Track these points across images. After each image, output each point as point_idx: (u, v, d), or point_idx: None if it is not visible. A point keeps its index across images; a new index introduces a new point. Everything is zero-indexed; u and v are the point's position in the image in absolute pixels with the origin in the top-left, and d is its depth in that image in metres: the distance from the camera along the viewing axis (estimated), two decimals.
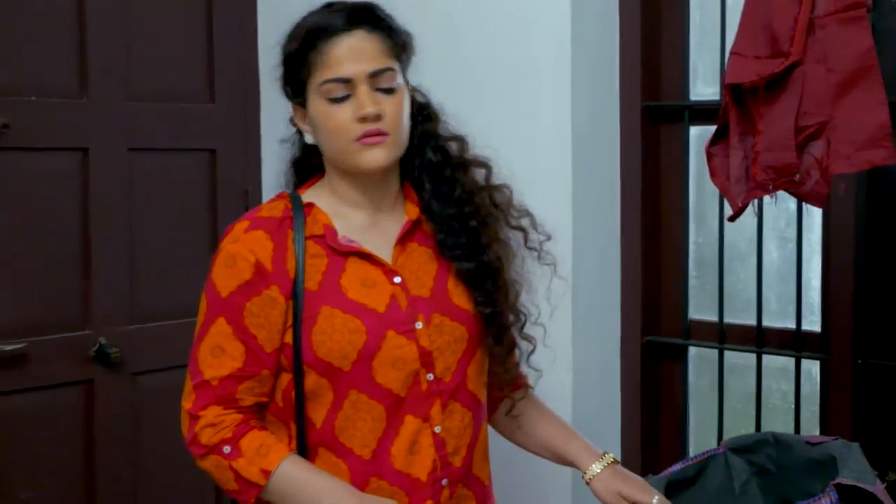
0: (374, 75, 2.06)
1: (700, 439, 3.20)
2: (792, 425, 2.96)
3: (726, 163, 2.42)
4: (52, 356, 3.31)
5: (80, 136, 3.35)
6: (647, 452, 3.19)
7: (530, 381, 2.35)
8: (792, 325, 2.97)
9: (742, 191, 2.39)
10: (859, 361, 2.84)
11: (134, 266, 3.47)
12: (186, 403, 2.07)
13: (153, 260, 3.52)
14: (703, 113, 3.07)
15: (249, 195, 3.73)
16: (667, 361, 3.21)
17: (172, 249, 3.57)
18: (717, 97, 2.94)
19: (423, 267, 2.16)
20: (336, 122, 2.06)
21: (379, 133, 2.06)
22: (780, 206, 2.84)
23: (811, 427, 2.96)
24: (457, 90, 3.29)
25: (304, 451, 2.08)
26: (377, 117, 2.04)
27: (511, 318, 2.21)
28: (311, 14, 2.12)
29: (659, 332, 3.22)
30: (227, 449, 2.02)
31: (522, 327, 2.24)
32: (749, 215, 2.51)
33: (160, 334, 3.54)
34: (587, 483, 2.22)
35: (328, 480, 2.03)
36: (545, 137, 3.09)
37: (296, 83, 2.12)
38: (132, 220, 3.46)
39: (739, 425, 3.08)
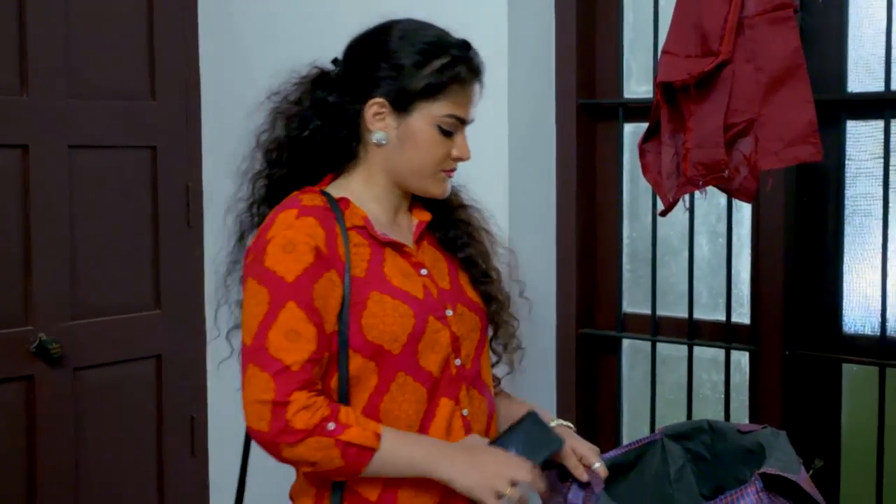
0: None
1: (633, 429, 3.22)
2: (722, 414, 2.99)
3: (658, 159, 2.44)
4: None
5: (20, 133, 3.31)
6: (614, 441, 3.20)
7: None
8: (722, 317, 2.99)
9: (673, 186, 2.41)
10: (787, 352, 2.87)
11: (75, 262, 3.44)
12: (266, 395, 1.95)
13: (94, 256, 3.49)
14: (636, 111, 3.08)
15: (190, 191, 3.70)
16: (601, 353, 3.23)
17: (114, 245, 3.54)
18: (650, 95, 2.95)
19: (437, 263, 2.21)
20: (438, 152, 2.11)
21: (454, 172, 2.18)
22: (710, 201, 2.87)
23: (741, 416, 2.98)
24: None
25: None
26: None
27: (501, 294, 2.29)
28: (454, 44, 2.12)
29: (594, 324, 3.24)
30: (331, 426, 1.95)
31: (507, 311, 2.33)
32: (680, 210, 2.53)
33: (101, 330, 3.51)
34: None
35: (427, 441, 2.06)
36: (482, 135, 3.05)
37: (403, 90, 2.09)
38: (73, 216, 3.43)
39: (672, 415, 3.11)
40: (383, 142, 2.11)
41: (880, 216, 2.73)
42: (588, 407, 3.24)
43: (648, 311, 3.12)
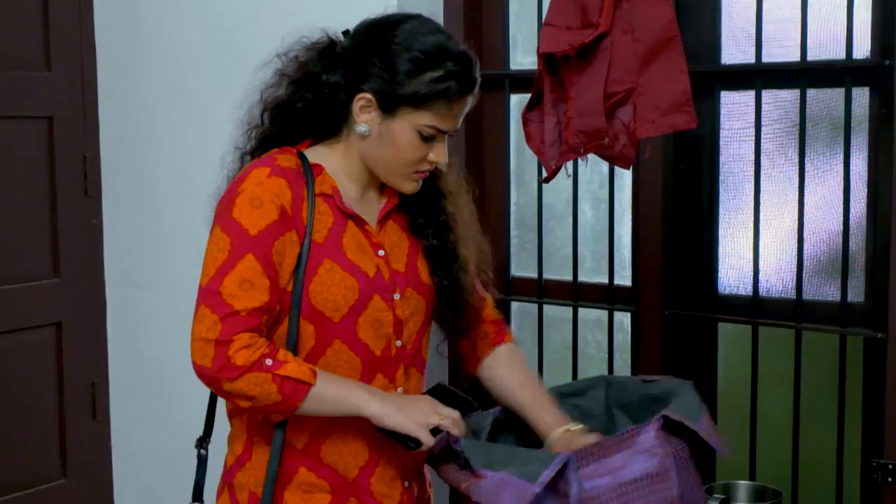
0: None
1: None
2: (606, 372, 3.02)
3: (541, 128, 2.46)
4: None
5: None
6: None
7: (509, 335, 2.38)
8: (605, 279, 3.02)
9: (556, 154, 2.43)
10: (667, 312, 2.92)
11: None
12: (211, 334, 1.97)
13: None
14: (522, 82, 3.09)
15: (88, 161, 3.64)
16: None
17: (11, 214, 3.47)
18: (535, 67, 2.95)
19: (398, 243, 2.20)
20: (413, 155, 2.09)
21: (426, 174, 2.15)
22: (593, 168, 2.90)
23: (623, 373, 3.02)
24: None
25: None
26: None
27: (462, 288, 2.25)
28: (451, 57, 2.05)
29: None
30: (269, 361, 1.98)
31: (486, 286, 2.34)
32: (564, 178, 2.55)
33: (0, 298, 3.44)
34: (547, 445, 2.21)
35: (361, 384, 2.08)
36: None
37: (391, 93, 2.05)
38: None
39: (559, 373, 3.14)
40: (366, 134, 2.10)
41: (752, 182, 2.78)
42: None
43: (535, 275, 3.14)
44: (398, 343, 2.16)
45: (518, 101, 3.13)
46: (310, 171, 2.10)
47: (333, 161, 2.15)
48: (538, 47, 2.46)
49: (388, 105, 2.06)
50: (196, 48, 3.48)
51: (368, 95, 2.07)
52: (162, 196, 3.59)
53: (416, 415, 2.03)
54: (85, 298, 3.68)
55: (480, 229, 2.33)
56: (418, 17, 2.11)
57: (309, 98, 2.14)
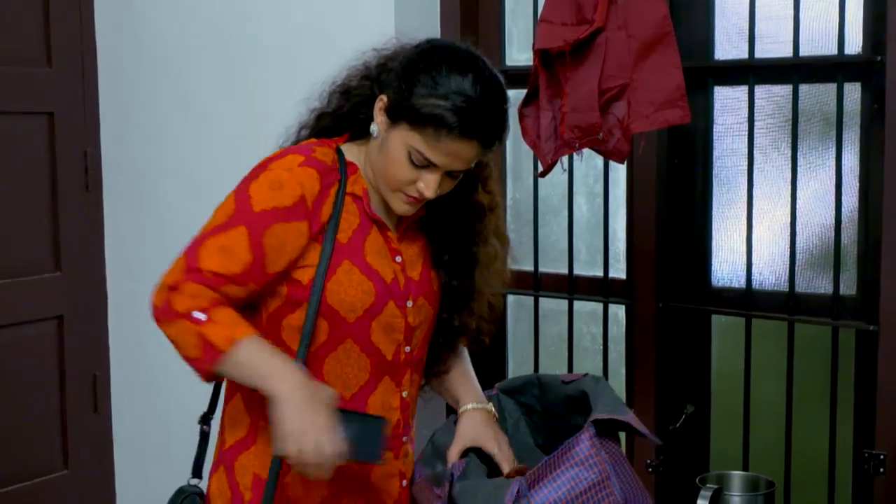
0: (452, 171, 2.05)
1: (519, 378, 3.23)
2: (601, 364, 3.01)
3: (537, 123, 2.44)
4: None
5: None
6: None
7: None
8: (600, 273, 3.01)
9: (551, 149, 2.42)
10: (661, 305, 2.90)
11: None
12: (169, 279, 1.98)
13: None
14: (518, 77, 3.06)
15: (88, 156, 3.63)
16: None
17: (12, 209, 3.46)
18: (530, 63, 2.93)
19: (416, 252, 2.18)
20: (400, 174, 2.03)
21: (420, 200, 2.07)
22: (588, 163, 2.88)
23: (618, 365, 3.01)
24: (282, 50, 3.27)
25: None
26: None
27: (464, 329, 2.24)
28: (465, 96, 1.97)
29: None
30: (200, 315, 1.95)
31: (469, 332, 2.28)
32: (560, 172, 2.54)
33: (2, 291, 3.44)
34: (459, 415, 2.23)
35: (286, 364, 1.97)
36: None
37: (397, 104, 2.01)
38: None
39: (554, 365, 3.13)
40: (374, 135, 2.08)
41: (745, 176, 2.76)
42: (474, 358, 3.24)
43: (531, 268, 3.12)
44: (407, 349, 2.15)
45: (514, 97, 3.06)
46: (345, 169, 2.09)
47: (363, 161, 2.13)
48: (534, 43, 2.45)
49: (394, 114, 2.02)
50: (195, 45, 3.46)
51: (385, 98, 2.05)
52: (162, 190, 3.57)
53: (298, 429, 1.90)
54: (86, 292, 3.67)
55: (502, 253, 2.25)
56: (474, 52, 2.07)
57: (356, 95, 2.13)
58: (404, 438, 2.20)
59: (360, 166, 2.12)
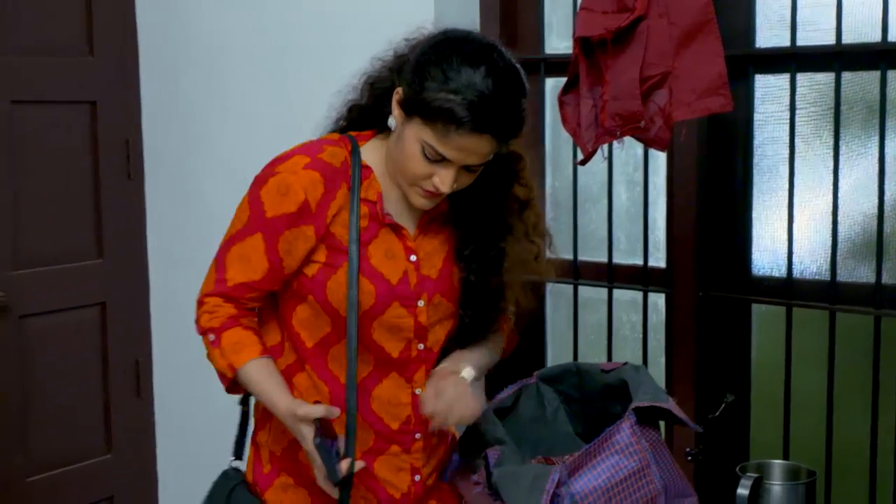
0: (469, 165, 2.01)
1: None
2: (641, 353, 2.99)
3: (577, 111, 2.42)
4: None
5: None
6: (509, 382, 3.20)
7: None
8: (640, 261, 2.99)
9: (592, 137, 2.40)
10: (700, 294, 2.88)
11: (18, 214, 3.37)
12: (202, 290, 2.15)
13: (37, 207, 3.42)
14: (557, 66, 3.05)
15: (130, 144, 3.64)
16: None
17: (56, 197, 3.48)
18: (569, 51, 2.91)
19: (436, 249, 2.16)
20: (415, 168, 2.00)
21: (438, 194, 2.04)
22: (628, 151, 2.86)
23: (657, 354, 2.99)
24: (320, 40, 3.26)
25: (293, 364, 2.16)
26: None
27: (490, 324, 2.24)
28: (478, 90, 1.92)
29: None
30: (211, 337, 2.12)
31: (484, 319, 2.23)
32: (599, 160, 2.52)
33: (46, 279, 3.46)
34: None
35: (273, 393, 2.09)
36: None
37: (410, 97, 1.98)
38: (15, 169, 3.36)
39: (593, 354, 3.11)
40: (392, 128, 2.07)
41: (786, 165, 2.73)
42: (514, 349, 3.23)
43: (570, 257, 3.11)
44: (420, 346, 2.13)
45: (553, 85, 3.09)
46: (359, 173, 2.07)
47: (382, 159, 2.11)
48: (574, 31, 2.43)
49: (408, 107, 2.00)
50: (234, 34, 3.46)
51: (401, 91, 2.02)
52: (202, 177, 3.58)
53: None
54: (128, 278, 3.69)
55: (542, 251, 2.21)
56: (492, 44, 2.01)
57: (382, 85, 2.12)
58: (417, 435, 2.17)
59: (377, 166, 2.10)
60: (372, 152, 2.12)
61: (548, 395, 2.34)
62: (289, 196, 2.03)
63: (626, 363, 2.24)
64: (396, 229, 2.11)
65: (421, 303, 2.11)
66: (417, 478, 2.19)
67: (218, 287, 2.11)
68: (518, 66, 2.02)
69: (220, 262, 2.12)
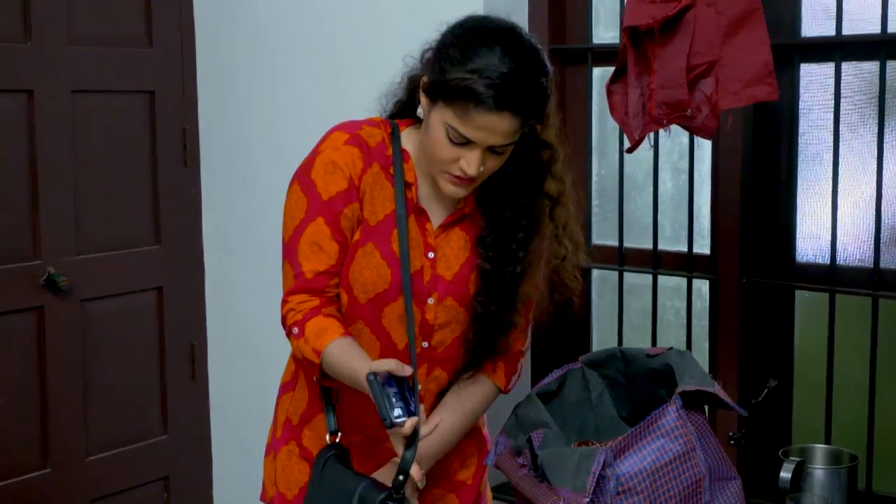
0: (493, 146, 1.98)
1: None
2: (685, 339, 2.99)
3: (625, 100, 2.43)
4: (5, 285, 3.26)
5: (25, 78, 3.27)
6: (554, 366, 3.21)
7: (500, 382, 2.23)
8: (684, 248, 2.99)
9: (639, 125, 2.40)
10: (744, 280, 2.87)
11: (79, 200, 3.41)
12: (284, 289, 2.09)
13: (97, 194, 3.46)
14: (604, 55, 3.06)
15: (187, 133, 3.67)
16: None
17: (115, 184, 3.52)
18: (616, 41, 2.92)
19: (456, 252, 2.12)
20: (442, 153, 1.98)
21: (467, 180, 2.01)
22: (673, 139, 2.86)
23: (701, 340, 2.99)
24: (370, 32, 3.28)
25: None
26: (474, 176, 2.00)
27: (507, 324, 2.13)
28: (495, 68, 1.90)
29: None
30: (295, 330, 2.04)
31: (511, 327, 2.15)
32: (645, 148, 2.52)
33: (105, 263, 3.50)
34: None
35: (353, 366, 1.95)
36: None
37: (433, 83, 1.98)
38: (77, 157, 3.40)
39: (637, 339, 3.11)
40: (421, 117, 2.08)
41: (831, 153, 2.72)
42: (559, 331, 3.24)
43: (616, 243, 3.11)
44: (424, 344, 2.11)
45: (600, 74, 3.09)
46: (400, 157, 2.09)
47: (417, 147, 2.11)
48: (622, 21, 2.43)
49: (432, 92, 1.99)
50: (287, 25, 3.49)
51: (425, 78, 2.02)
52: (256, 165, 3.61)
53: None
54: (184, 264, 3.72)
55: (571, 254, 2.13)
56: (510, 30, 1.99)
57: (415, 74, 2.12)
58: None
59: (413, 153, 2.10)
60: (409, 139, 2.12)
61: (593, 379, 2.33)
62: (336, 174, 2.04)
63: (671, 348, 2.23)
64: (422, 220, 2.09)
65: (431, 300, 2.09)
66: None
67: (299, 282, 2.05)
68: (539, 46, 2.00)
69: (292, 257, 2.06)
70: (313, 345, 2.00)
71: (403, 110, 2.18)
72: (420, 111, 2.07)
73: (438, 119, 1.97)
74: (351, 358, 1.97)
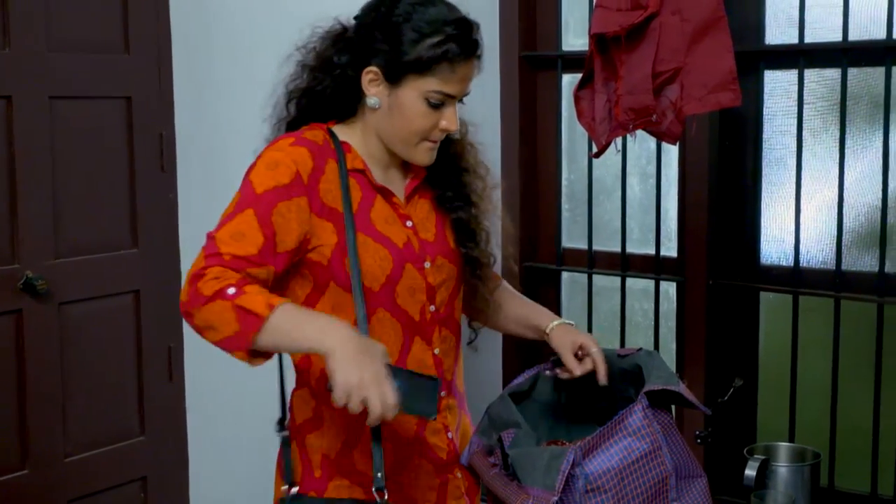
0: (463, 94, 2.09)
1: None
2: (653, 339, 3.01)
3: (592, 105, 2.44)
4: None
5: (3, 83, 3.24)
6: (525, 367, 3.22)
7: (497, 275, 2.37)
8: (652, 251, 3.00)
9: (606, 130, 2.41)
10: (711, 282, 2.89)
11: (57, 205, 3.39)
12: (193, 269, 1.91)
13: (75, 199, 3.44)
14: (573, 62, 3.07)
15: (164, 138, 3.65)
16: (543, 285, 3.24)
17: (93, 189, 3.49)
18: (586, 48, 2.92)
19: (427, 214, 2.18)
20: (424, 123, 2.05)
21: (437, 144, 2.10)
22: (641, 144, 2.88)
23: (669, 341, 3.01)
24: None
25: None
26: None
27: (486, 257, 2.24)
28: (450, 22, 2.02)
29: (536, 258, 3.24)
30: (231, 290, 1.86)
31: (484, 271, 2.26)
32: (614, 153, 2.53)
33: (83, 267, 3.47)
34: (546, 335, 2.25)
35: (331, 319, 1.92)
36: None
37: (395, 63, 2.03)
38: (55, 162, 3.37)
39: (607, 340, 3.11)
40: (376, 106, 2.08)
41: (794, 158, 2.74)
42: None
43: (585, 246, 3.12)
44: (431, 308, 2.13)
45: (569, 81, 3.11)
46: (341, 149, 2.09)
47: (355, 140, 2.13)
48: (590, 28, 2.44)
49: (394, 75, 2.03)
50: (264, 31, 3.48)
51: (375, 68, 2.05)
52: (232, 170, 3.57)
53: (354, 377, 1.82)
54: (161, 267, 3.70)
55: (498, 206, 2.29)
56: None
57: (327, 82, 2.12)
58: (442, 393, 2.16)
59: (355, 144, 2.12)
60: (343, 133, 2.13)
61: (563, 380, 2.34)
62: (279, 169, 2.00)
63: (640, 349, 2.25)
64: (387, 196, 2.12)
65: (427, 264, 2.12)
66: (450, 435, 2.19)
67: (213, 260, 1.91)
68: None
69: (209, 245, 1.94)
70: (266, 299, 1.88)
71: (294, 123, 2.17)
72: (373, 101, 2.07)
73: (413, 93, 2.03)
74: (318, 315, 1.94)
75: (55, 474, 3.43)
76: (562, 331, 2.24)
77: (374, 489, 2.00)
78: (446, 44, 2.00)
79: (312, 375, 2.11)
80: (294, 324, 1.88)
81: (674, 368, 2.94)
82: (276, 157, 2.02)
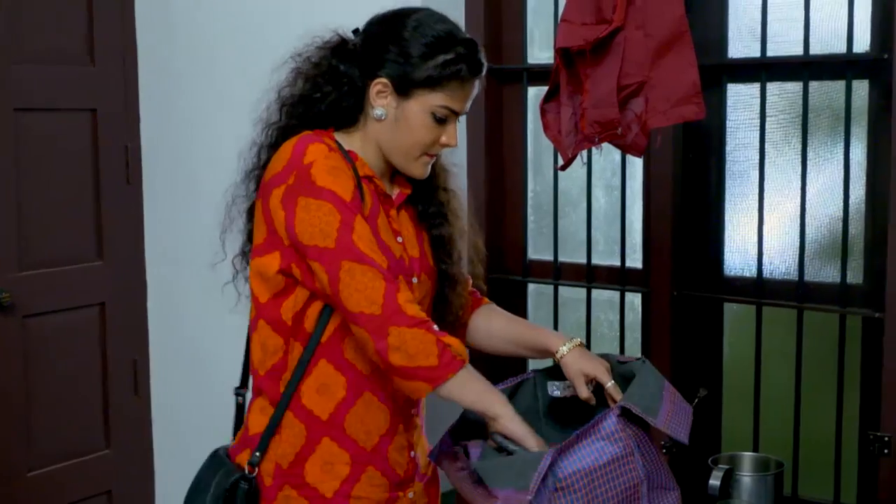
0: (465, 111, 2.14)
1: (539, 364, 3.22)
2: (618, 350, 3.01)
3: (558, 118, 2.45)
4: None
5: None
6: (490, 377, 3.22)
7: (485, 299, 2.40)
8: (617, 262, 3.01)
9: (572, 143, 2.42)
10: (675, 293, 2.90)
11: (22, 217, 3.37)
12: (376, 282, 1.95)
13: (40, 211, 3.42)
14: (539, 75, 3.08)
15: (129, 151, 3.64)
16: (509, 297, 3.23)
17: (58, 202, 3.48)
18: (551, 61, 2.93)
19: (410, 231, 2.20)
20: (428, 137, 2.09)
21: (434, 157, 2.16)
22: (606, 157, 2.88)
23: (634, 351, 3.01)
24: None
25: (308, 359, 2.07)
26: None
27: (460, 275, 2.27)
28: (461, 41, 2.08)
29: (502, 270, 3.24)
30: (435, 327, 1.98)
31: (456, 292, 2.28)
32: (579, 166, 2.54)
33: (48, 280, 3.46)
34: (558, 360, 2.24)
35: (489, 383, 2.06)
36: None
37: (406, 77, 2.06)
38: (19, 175, 3.36)
39: None
40: (382, 117, 2.10)
41: (757, 170, 2.76)
42: None
43: (551, 258, 3.13)
44: None
45: (535, 94, 3.11)
46: (349, 155, 2.10)
47: (355, 148, 2.13)
48: (555, 42, 2.46)
49: (404, 88, 2.06)
50: (228, 44, 3.47)
51: (384, 80, 2.08)
52: (198, 183, 3.59)
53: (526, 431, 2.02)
54: (127, 280, 3.69)
55: (474, 224, 2.34)
56: (426, 8, 2.13)
57: (328, 90, 2.13)
58: (412, 411, 2.19)
59: (360, 151, 2.13)
60: (345, 142, 2.14)
61: (545, 388, 2.33)
62: (342, 176, 2.02)
63: (639, 358, 2.25)
64: (387, 208, 2.14)
65: (415, 279, 2.14)
66: (412, 454, 2.19)
67: (386, 272, 1.98)
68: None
69: (357, 254, 1.97)
70: (460, 347, 2.00)
71: (289, 129, 2.17)
72: (379, 112, 2.09)
73: (420, 107, 2.06)
74: (483, 380, 2.05)
75: (19, 488, 3.41)
76: (573, 359, 2.22)
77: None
78: (458, 63, 2.05)
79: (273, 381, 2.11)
80: (478, 382, 2.03)
81: None
82: (331, 162, 2.03)
